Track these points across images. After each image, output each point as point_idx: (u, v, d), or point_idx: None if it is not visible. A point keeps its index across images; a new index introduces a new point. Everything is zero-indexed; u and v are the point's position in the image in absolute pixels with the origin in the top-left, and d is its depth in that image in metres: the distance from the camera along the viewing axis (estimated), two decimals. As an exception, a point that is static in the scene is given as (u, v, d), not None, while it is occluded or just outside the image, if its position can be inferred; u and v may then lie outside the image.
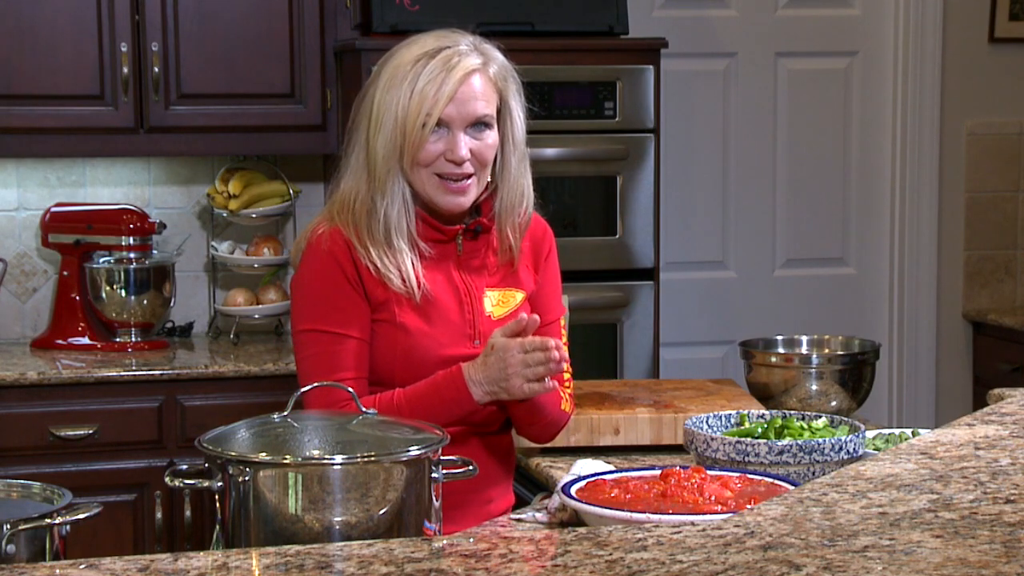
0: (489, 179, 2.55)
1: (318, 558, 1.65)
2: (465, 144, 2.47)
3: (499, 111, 2.53)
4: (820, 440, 2.50)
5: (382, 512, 1.97)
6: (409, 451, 2.01)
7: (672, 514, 2.17)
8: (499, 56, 2.54)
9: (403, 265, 2.48)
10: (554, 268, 2.68)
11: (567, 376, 2.62)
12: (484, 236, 2.58)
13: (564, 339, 2.67)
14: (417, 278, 2.49)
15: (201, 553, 1.68)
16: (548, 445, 2.89)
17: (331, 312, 2.47)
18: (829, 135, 5.04)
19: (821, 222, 5.06)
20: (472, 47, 2.51)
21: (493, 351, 2.43)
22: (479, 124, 2.49)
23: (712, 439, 2.53)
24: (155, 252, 4.36)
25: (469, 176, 2.50)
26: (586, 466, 2.59)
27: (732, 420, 2.72)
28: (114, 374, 3.97)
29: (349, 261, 2.48)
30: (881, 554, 1.60)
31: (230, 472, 1.98)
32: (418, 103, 2.45)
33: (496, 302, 2.58)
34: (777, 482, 2.36)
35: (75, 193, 4.44)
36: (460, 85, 2.46)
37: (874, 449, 2.67)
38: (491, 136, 2.51)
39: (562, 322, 2.69)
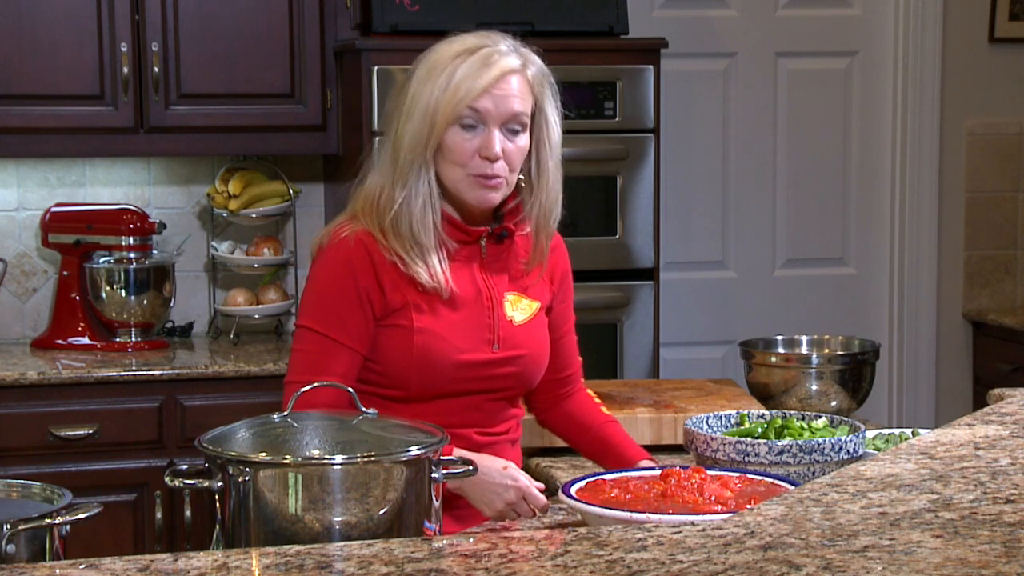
0: (521, 183, 2.54)
1: (318, 558, 1.65)
2: (499, 142, 2.46)
3: (533, 115, 2.51)
4: (820, 440, 2.49)
5: (382, 512, 1.97)
6: (409, 451, 2.01)
7: (672, 514, 2.17)
8: (538, 60, 2.52)
9: (430, 261, 2.47)
10: (570, 281, 2.71)
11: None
12: (508, 241, 2.56)
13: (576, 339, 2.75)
14: (445, 276, 2.48)
15: (201, 553, 1.67)
16: (548, 445, 2.89)
17: (332, 317, 2.46)
18: (829, 135, 5.04)
19: (821, 222, 5.06)
20: (512, 48, 2.49)
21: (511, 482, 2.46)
22: (513, 125, 2.47)
23: (712, 439, 2.53)
24: (155, 252, 4.37)
25: (500, 176, 2.49)
26: None
27: (732, 420, 2.72)
28: (114, 374, 3.97)
29: (368, 269, 2.46)
30: (881, 554, 1.60)
31: (230, 472, 1.98)
32: (452, 94, 2.43)
33: (517, 307, 2.57)
34: (777, 482, 2.36)
35: (75, 193, 4.44)
36: (498, 81, 2.45)
37: (874, 449, 2.67)
38: (523, 139, 2.49)
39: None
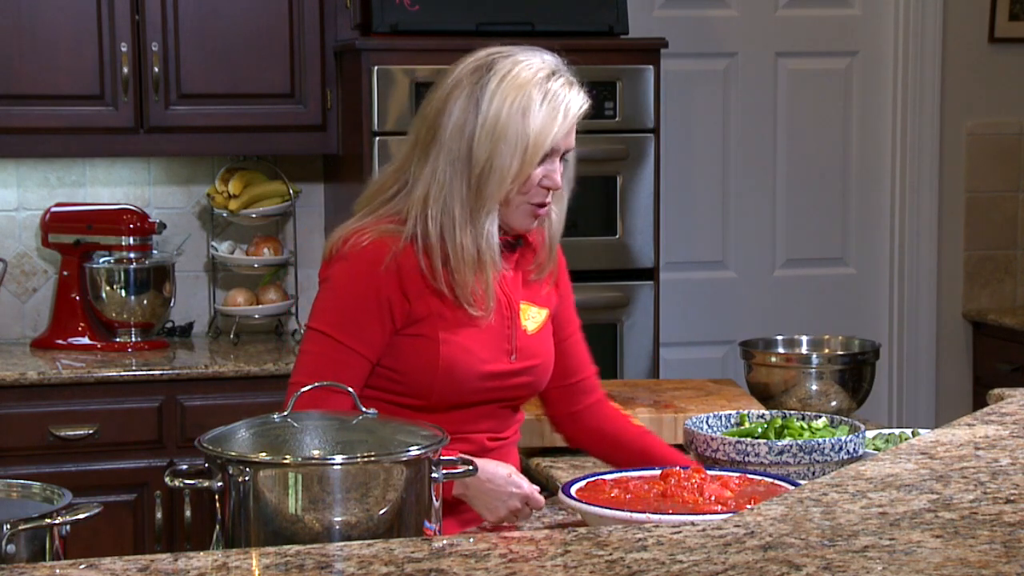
0: None
1: (318, 558, 1.65)
2: (559, 172, 2.49)
3: None
4: (820, 440, 2.50)
5: (382, 512, 1.97)
6: (409, 451, 2.01)
7: (672, 514, 2.17)
8: (576, 79, 2.55)
9: (488, 286, 2.46)
10: (569, 283, 2.71)
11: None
12: (520, 249, 2.57)
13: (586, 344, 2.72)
14: (493, 304, 2.47)
15: (201, 553, 1.68)
16: (548, 445, 2.89)
17: (348, 323, 2.44)
18: (829, 135, 5.04)
19: (821, 222, 5.06)
20: (568, 73, 2.52)
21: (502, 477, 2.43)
22: (567, 155, 2.52)
23: (712, 439, 2.53)
24: (155, 252, 4.36)
25: (550, 203, 2.52)
26: None
27: (732, 420, 2.72)
28: (114, 374, 3.97)
29: (394, 278, 2.43)
30: (881, 554, 1.60)
31: (230, 472, 1.98)
32: (542, 136, 2.43)
33: (529, 316, 2.57)
34: (777, 482, 2.36)
35: (75, 193, 4.44)
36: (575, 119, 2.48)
37: (874, 449, 2.67)
38: (565, 164, 2.53)
39: None
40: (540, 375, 2.58)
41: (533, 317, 2.57)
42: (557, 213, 2.57)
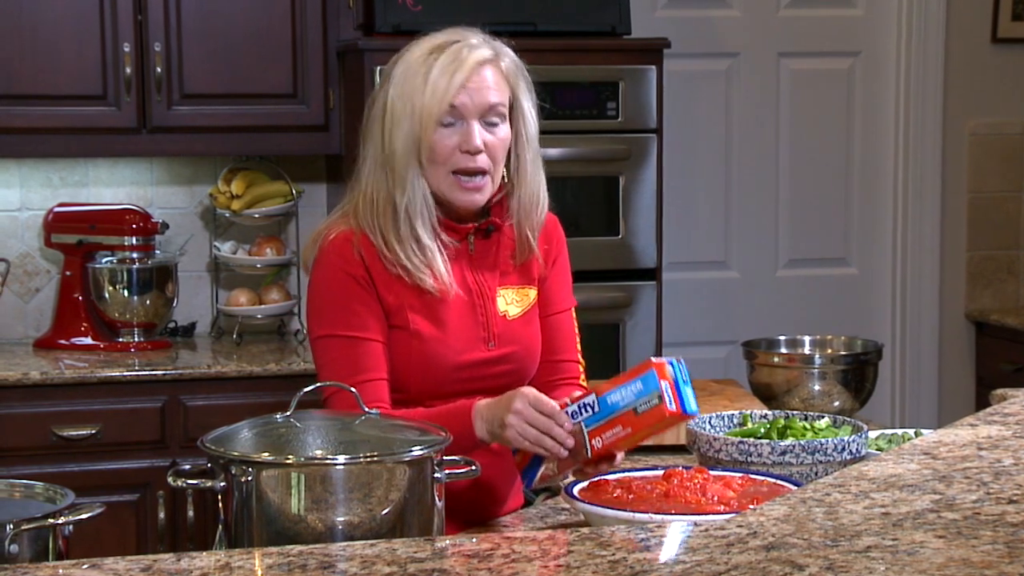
0: (504, 179, 2.54)
1: (321, 558, 1.65)
2: (479, 135, 2.46)
3: (511, 108, 2.52)
4: (823, 440, 2.49)
5: (385, 512, 1.97)
6: (412, 451, 2.01)
7: (675, 514, 2.17)
8: (510, 52, 2.54)
9: (434, 263, 2.47)
10: (564, 261, 2.68)
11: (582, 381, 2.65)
12: (495, 235, 2.56)
13: (576, 330, 2.69)
14: (450, 278, 2.48)
15: (204, 553, 1.68)
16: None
17: (347, 316, 2.45)
18: (831, 135, 5.04)
19: (824, 222, 5.06)
20: (483, 41, 2.51)
21: (510, 393, 2.38)
22: (492, 117, 2.47)
23: (715, 439, 2.53)
24: (158, 252, 4.36)
25: (484, 173, 2.48)
26: None
27: (735, 420, 2.72)
28: (117, 374, 3.97)
29: (360, 265, 2.47)
30: (884, 554, 1.60)
31: (233, 472, 1.98)
32: (431, 96, 2.44)
33: (510, 301, 2.56)
34: (780, 482, 2.36)
35: (78, 193, 4.44)
36: (472, 74, 2.46)
37: (877, 449, 2.67)
38: (503, 130, 2.49)
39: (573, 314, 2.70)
40: (522, 362, 2.56)
41: (516, 301, 2.58)
42: (520, 198, 2.55)
